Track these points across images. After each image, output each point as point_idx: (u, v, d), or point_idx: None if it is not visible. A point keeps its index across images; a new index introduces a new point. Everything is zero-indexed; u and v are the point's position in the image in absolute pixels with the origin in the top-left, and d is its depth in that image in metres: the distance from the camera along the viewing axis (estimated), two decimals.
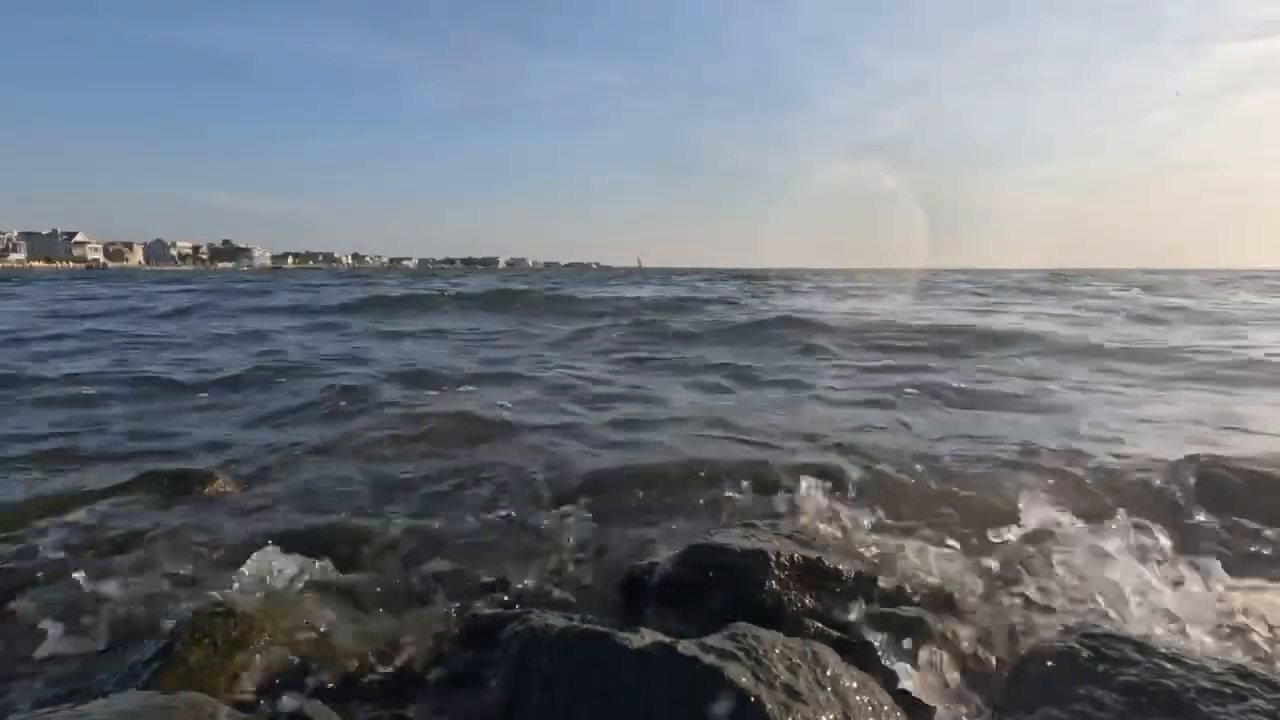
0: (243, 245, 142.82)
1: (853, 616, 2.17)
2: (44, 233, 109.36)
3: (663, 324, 12.74)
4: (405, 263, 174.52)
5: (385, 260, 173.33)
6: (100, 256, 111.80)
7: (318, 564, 2.61)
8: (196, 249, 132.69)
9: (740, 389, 6.51)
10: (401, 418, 4.99)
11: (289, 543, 2.84)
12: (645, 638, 1.66)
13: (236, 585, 2.51)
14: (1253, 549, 2.85)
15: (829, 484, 3.36)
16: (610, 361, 8.40)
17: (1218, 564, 2.48)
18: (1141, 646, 1.72)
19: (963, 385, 6.30)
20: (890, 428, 4.81)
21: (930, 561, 2.77)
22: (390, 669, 2.01)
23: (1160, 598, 2.31)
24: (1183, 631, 2.15)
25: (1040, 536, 2.95)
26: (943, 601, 2.29)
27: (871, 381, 6.73)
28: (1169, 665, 1.65)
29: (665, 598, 2.29)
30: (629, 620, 2.17)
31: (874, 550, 2.65)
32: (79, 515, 3.19)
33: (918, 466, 3.78)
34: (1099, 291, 24.65)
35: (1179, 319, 13.75)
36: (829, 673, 1.64)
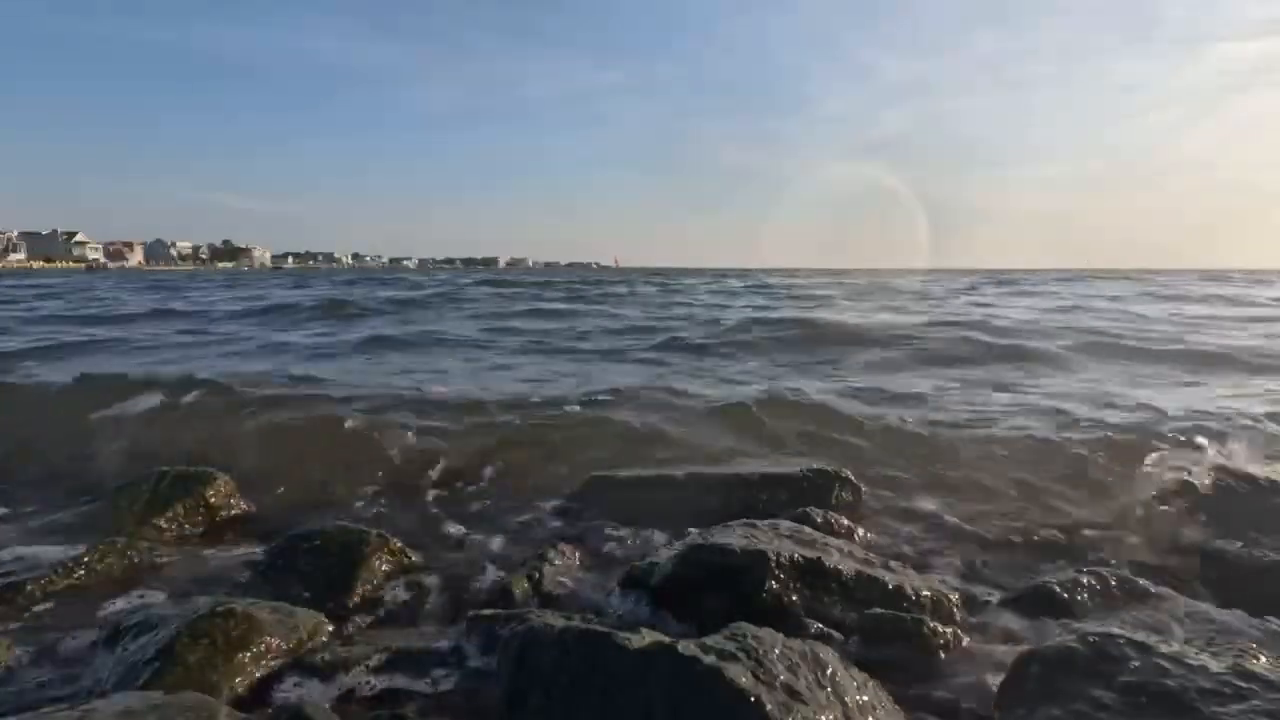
0: (243, 245, 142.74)
1: (853, 616, 2.17)
2: (44, 233, 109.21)
3: None
4: (405, 262, 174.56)
5: (385, 260, 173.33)
6: (100, 256, 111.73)
7: (316, 563, 2.61)
8: (196, 249, 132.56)
9: None
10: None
11: (287, 541, 2.84)
12: (645, 638, 1.66)
13: (235, 585, 2.52)
14: None
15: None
16: None
17: None
18: (1141, 646, 1.72)
19: None
20: None
21: (932, 561, 2.77)
22: (390, 669, 2.01)
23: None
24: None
25: (1044, 535, 2.96)
26: (943, 601, 2.29)
27: None
28: (1169, 665, 1.64)
29: (665, 598, 2.28)
30: (629, 620, 2.18)
31: (876, 550, 2.65)
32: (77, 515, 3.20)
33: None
34: None
35: None
36: (829, 673, 1.64)
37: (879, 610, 2.16)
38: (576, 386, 6.09)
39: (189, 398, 5.16)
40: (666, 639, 1.65)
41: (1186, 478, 3.33)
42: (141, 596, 2.47)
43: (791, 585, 2.22)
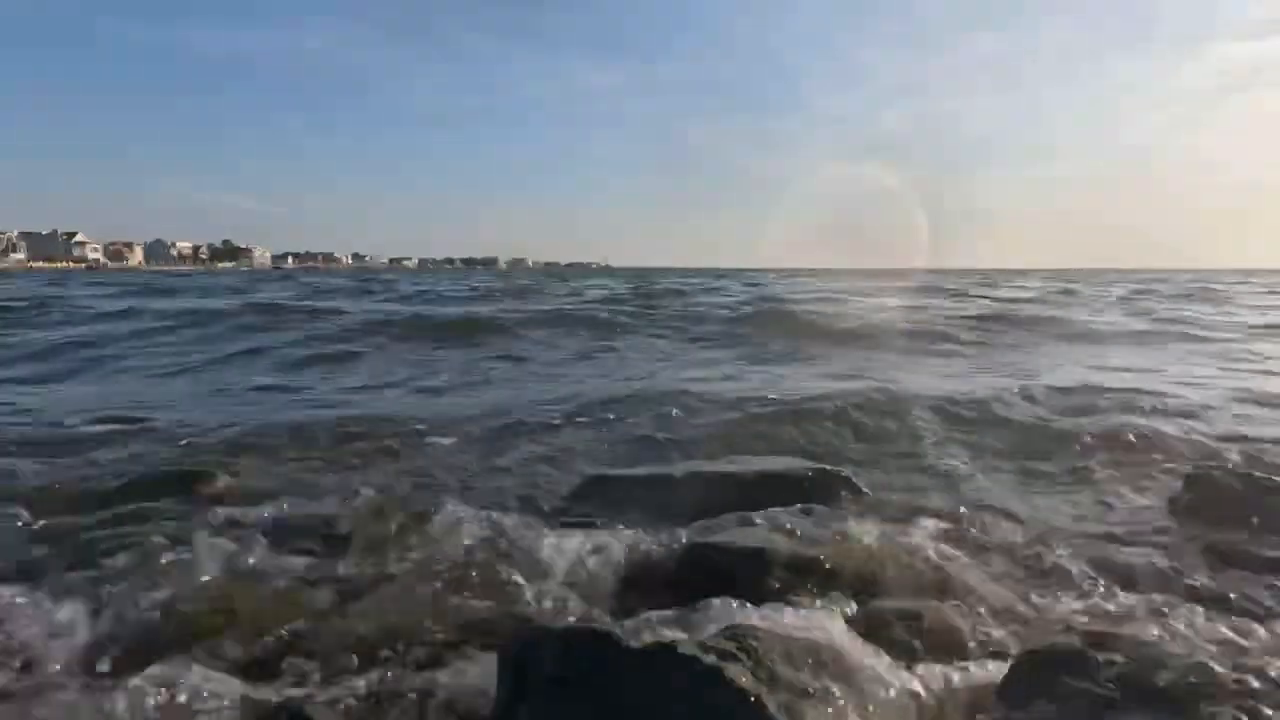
0: (243, 245, 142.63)
1: (853, 614, 2.17)
2: (44, 233, 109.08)
3: None
4: (405, 263, 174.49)
5: (385, 260, 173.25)
6: (100, 256, 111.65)
7: (317, 561, 2.62)
8: (197, 249, 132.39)
9: None
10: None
11: (287, 539, 2.85)
12: (645, 638, 1.66)
13: (235, 583, 2.52)
14: None
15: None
16: None
17: None
18: (1141, 645, 1.72)
19: None
20: None
21: (931, 559, 2.77)
22: (390, 669, 2.01)
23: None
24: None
25: (1041, 533, 2.95)
26: (943, 599, 2.29)
27: None
28: (1169, 664, 1.65)
29: (665, 598, 2.28)
30: (629, 619, 2.17)
31: (876, 548, 2.66)
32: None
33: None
34: None
35: None
36: (829, 671, 1.64)
37: (879, 607, 2.16)
38: None
39: None
40: (666, 639, 1.65)
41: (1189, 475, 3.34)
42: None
43: (791, 584, 2.22)
